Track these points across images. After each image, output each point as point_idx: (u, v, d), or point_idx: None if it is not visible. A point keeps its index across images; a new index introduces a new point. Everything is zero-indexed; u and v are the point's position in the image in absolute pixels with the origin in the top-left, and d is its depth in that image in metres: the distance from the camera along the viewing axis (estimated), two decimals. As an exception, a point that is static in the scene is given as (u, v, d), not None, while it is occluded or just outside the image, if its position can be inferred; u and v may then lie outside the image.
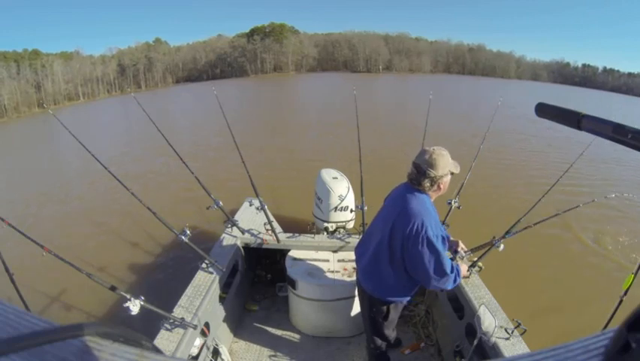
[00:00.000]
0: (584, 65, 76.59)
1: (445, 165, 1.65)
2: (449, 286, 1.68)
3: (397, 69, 68.93)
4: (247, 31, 67.03)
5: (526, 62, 77.40)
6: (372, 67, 68.39)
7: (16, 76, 39.70)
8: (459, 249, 1.91)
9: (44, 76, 43.00)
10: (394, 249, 1.70)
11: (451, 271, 1.64)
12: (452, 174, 1.72)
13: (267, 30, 65.88)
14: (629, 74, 70.85)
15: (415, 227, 1.60)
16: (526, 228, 2.41)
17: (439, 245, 1.60)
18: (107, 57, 55.80)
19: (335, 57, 70.44)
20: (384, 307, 1.88)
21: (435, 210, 1.72)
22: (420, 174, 1.67)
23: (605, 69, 74.90)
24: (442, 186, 1.70)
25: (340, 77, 50.27)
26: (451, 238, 1.98)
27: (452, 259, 1.78)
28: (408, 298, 1.88)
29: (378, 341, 2.07)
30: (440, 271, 1.62)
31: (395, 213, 1.71)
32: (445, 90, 32.24)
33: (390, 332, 2.06)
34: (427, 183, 1.67)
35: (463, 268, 1.82)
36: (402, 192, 1.76)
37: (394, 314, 1.93)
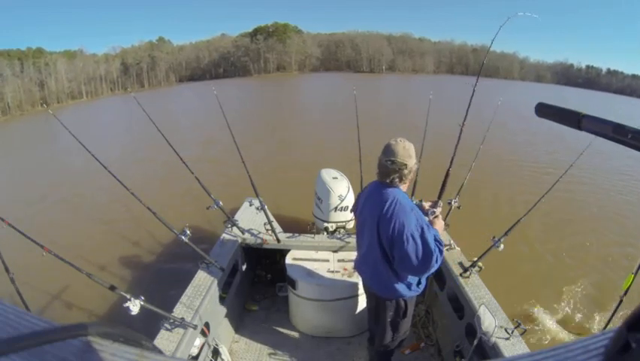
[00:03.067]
0: (587, 67, 76.06)
1: (414, 153, 1.67)
2: (439, 263, 1.65)
3: (400, 69, 68.64)
4: (250, 30, 67.03)
5: (530, 63, 76.83)
6: (375, 67, 68.17)
7: (20, 74, 39.74)
8: (428, 209, 1.88)
9: (48, 74, 43.04)
10: (386, 249, 1.71)
11: (432, 255, 1.59)
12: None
13: (271, 30, 65.77)
14: (633, 76, 70.25)
15: (397, 229, 1.60)
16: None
17: (425, 235, 1.59)
18: (111, 56, 55.75)
19: (338, 57, 70.22)
20: (402, 303, 1.87)
21: (409, 200, 1.71)
22: (395, 165, 1.62)
23: (609, 70, 74.34)
24: (412, 176, 1.70)
25: (343, 77, 50.13)
26: (423, 203, 1.98)
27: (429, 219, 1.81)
28: (422, 288, 1.88)
29: (389, 339, 2.03)
30: (426, 262, 1.60)
31: (377, 216, 1.68)
32: (446, 91, 32.13)
33: (407, 328, 2.05)
34: (407, 175, 1.65)
35: (439, 225, 1.79)
36: (376, 193, 1.74)
37: (411, 308, 1.95)
